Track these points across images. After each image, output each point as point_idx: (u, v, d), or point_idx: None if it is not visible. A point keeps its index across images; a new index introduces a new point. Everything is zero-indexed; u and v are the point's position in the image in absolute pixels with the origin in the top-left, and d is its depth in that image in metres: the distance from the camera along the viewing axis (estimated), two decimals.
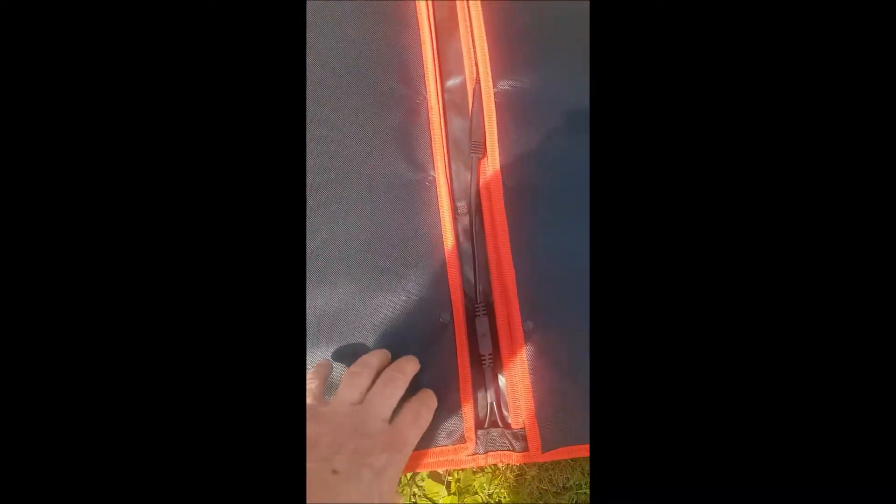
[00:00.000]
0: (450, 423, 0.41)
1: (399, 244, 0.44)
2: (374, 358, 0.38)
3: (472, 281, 0.45)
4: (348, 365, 0.39)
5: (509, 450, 0.41)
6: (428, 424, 0.37)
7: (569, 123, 0.47)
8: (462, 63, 0.49)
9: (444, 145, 0.47)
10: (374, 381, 0.36)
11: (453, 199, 0.47)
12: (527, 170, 0.46)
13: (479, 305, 0.44)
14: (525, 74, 0.48)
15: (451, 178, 0.47)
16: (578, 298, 0.44)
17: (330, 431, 0.31)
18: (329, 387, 0.40)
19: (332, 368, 0.40)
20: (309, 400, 0.35)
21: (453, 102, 0.49)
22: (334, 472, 0.29)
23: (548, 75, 0.48)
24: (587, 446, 0.41)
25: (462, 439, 0.40)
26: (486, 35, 0.48)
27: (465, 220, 0.47)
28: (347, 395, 0.34)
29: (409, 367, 0.38)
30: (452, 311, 0.43)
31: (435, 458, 0.40)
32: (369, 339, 0.42)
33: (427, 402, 0.37)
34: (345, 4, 0.49)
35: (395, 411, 0.35)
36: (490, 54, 0.48)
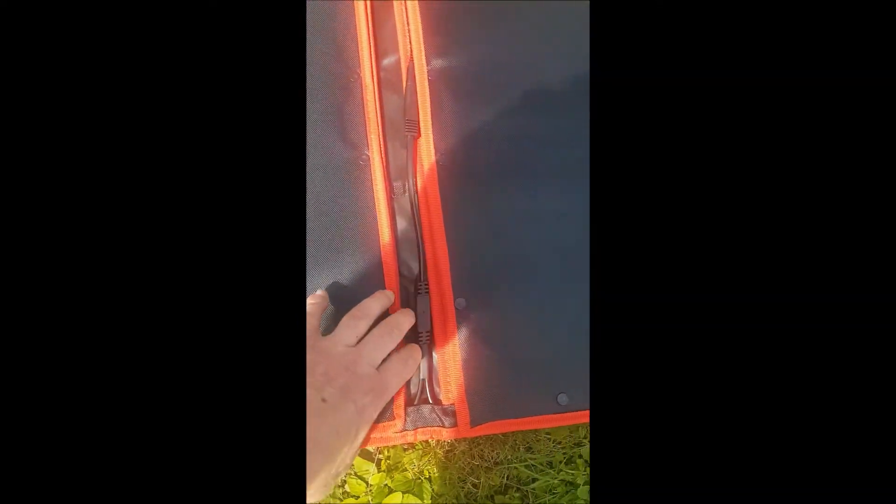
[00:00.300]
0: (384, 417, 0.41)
1: (335, 224, 0.44)
2: (376, 305, 0.40)
3: (416, 259, 0.45)
4: (339, 304, 0.41)
5: (439, 426, 0.41)
6: (410, 375, 0.40)
7: (504, 100, 0.48)
8: (397, 41, 0.49)
9: (380, 124, 0.47)
10: (370, 329, 0.39)
11: (390, 179, 0.47)
12: (461, 148, 0.46)
13: (422, 284, 0.44)
14: (460, 52, 0.48)
15: (387, 158, 0.47)
16: (510, 275, 0.44)
17: (324, 363, 0.35)
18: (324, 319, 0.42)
19: (327, 301, 0.42)
20: (308, 331, 0.37)
21: (389, 81, 0.49)
22: (323, 399, 0.33)
23: (483, 52, 0.48)
24: (516, 420, 0.41)
25: (391, 416, 0.40)
26: (421, 12, 0.48)
27: (404, 200, 0.47)
28: (344, 337, 0.37)
29: (405, 321, 0.41)
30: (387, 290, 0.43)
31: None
32: None
33: (413, 355, 0.40)
34: None
35: (384, 360, 0.38)
36: (424, 32, 0.48)
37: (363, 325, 0.39)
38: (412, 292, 0.45)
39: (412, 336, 0.43)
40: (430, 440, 0.43)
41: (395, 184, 0.47)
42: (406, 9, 0.48)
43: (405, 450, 0.44)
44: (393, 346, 0.39)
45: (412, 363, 0.40)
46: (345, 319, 0.39)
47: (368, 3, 0.49)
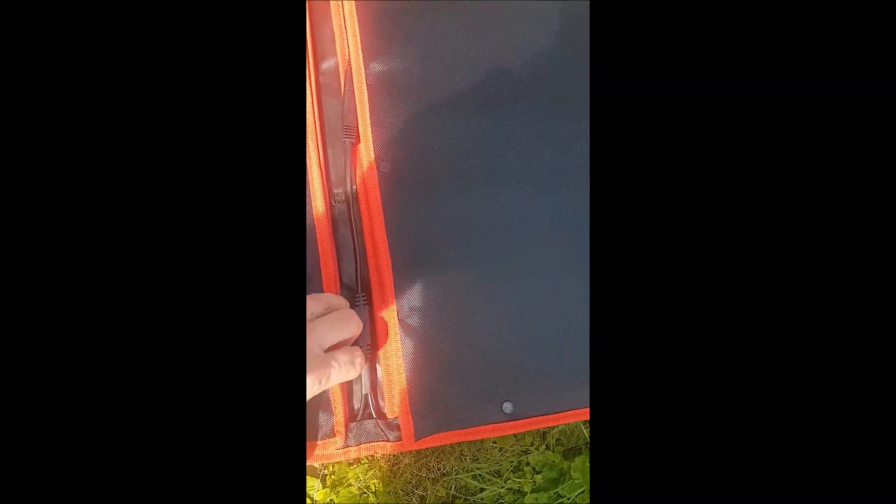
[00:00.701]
0: (321, 419, 0.40)
1: None
2: (335, 299, 0.39)
3: (353, 271, 0.44)
4: None
5: (383, 440, 0.41)
6: (352, 377, 0.37)
7: (448, 101, 0.47)
8: (335, 44, 0.48)
9: (318, 130, 0.46)
10: (325, 315, 0.37)
11: (330, 187, 0.46)
12: (403, 153, 0.45)
13: (360, 296, 0.44)
14: (398, 53, 0.47)
15: (326, 165, 0.46)
16: (454, 284, 0.43)
17: None
18: None
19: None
20: None
21: (328, 86, 0.47)
22: None
23: (423, 55, 0.47)
24: (461, 431, 0.41)
25: (332, 433, 0.40)
26: (358, 13, 0.47)
27: (343, 208, 0.46)
28: None
29: (358, 321, 0.39)
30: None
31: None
32: None
33: (359, 360, 0.38)
34: None
35: (332, 348, 0.37)
36: (362, 34, 0.46)
37: (320, 307, 0.37)
38: (350, 304, 0.44)
39: None
40: (375, 454, 0.42)
41: (335, 191, 0.46)
42: (343, 9, 0.47)
43: (350, 465, 0.43)
44: (344, 336, 0.37)
45: (357, 366, 0.38)
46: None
47: (306, 3, 0.47)
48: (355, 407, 0.42)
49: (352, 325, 0.38)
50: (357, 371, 0.38)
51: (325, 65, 0.48)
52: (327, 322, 0.36)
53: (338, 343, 0.37)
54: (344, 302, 0.40)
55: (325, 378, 0.35)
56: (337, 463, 0.43)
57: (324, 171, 0.45)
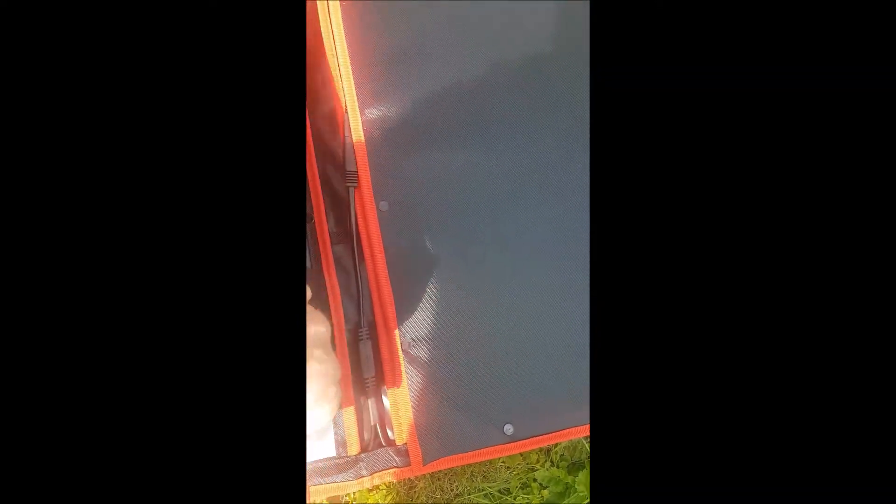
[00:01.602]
0: (340, 461, 0.43)
1: None
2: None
3: (355, 306, 0.47)
4: None
5: (393, 466, 0.44)
6: (322, 420, 0.35)
7: (439, 142, 0.49)
8: (329, 92, 0.50)
9: (316, 177, 0.48)
10: None
11: (328, 226, 0.48)
12: (401, 193, 0.48)
13: (363, 330, 0.46)
14: (392, 100, 0.49)
15: (326, 206, 0.49)
16: (455, 314, 0.46)
17: None
18: None
19: None
20: None
21: (326, 131, 0.50)
22: None
23: (416, 97, 0.49)
24: (465, 455, 0.44)
25: (347, 467, 0.43)
26: (352, 62, 0.49)
27: (345, 248, 0.48)
28: None
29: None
30: (335, 340, 0.45)
31: (326, 493, 0.43)
32: None
33: (334, 399, 0.36)
34: None
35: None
36: (356, 82, 0.49)
37: None
38: (353, 338, 0.46)
39: (358, 382, 0.45)
40: (388, 481, 0.45)
41: (335, 229, 0.49)
42: (337, 56, 0.49)
43: (370, 491, 0.46)
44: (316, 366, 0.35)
45: (332, 407, 0.35)
46: None
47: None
48: (365, 438, 0.45)
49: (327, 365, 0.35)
50: (327, 417, 0.35)
51: (321, 110, 0.50)
52: None
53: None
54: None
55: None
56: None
57: (323, 213, 0.48)
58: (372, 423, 0.45)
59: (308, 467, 0.42)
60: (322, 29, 0.49)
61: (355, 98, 0.48)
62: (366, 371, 0.45)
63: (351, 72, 0.49)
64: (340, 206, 0.49)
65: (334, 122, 0.50)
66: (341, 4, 0.48)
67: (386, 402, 0.45)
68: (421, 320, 0.46)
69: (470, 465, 0.46)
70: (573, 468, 0.47)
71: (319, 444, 0.44)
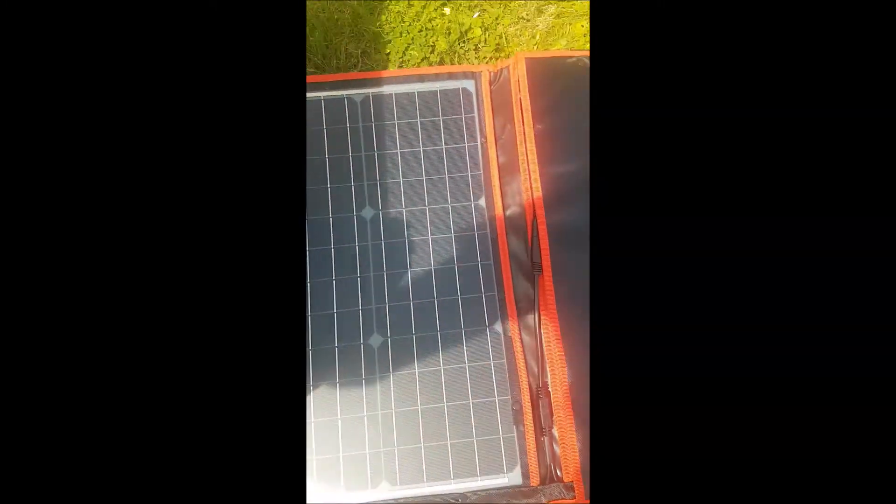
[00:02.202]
0: (525, 489, 0.56)
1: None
2: None
3: (536, 370, 0.61)
4: None
5: (563, 498, 0.56)
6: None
7: None
8: (519, 198, 0.65)
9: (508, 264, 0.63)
10: None
11: (517, 301, 0.63)
12: (572, 283, 0.62)
13: (539, 389, 0.60)
14: (568, 211, 0.64)
15: (513, 286, 0.63)
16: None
17: None
18: None
19: None
20: None
21: (512, 225, 0.65)
22: None
23: (583, 210, 0.64)
24: None
25: (530, 495, 0.56)
26: (541, 177, 0.64)
27: (529, 320, 0.62)
28: None
29: None
30: (521, 397, 0.59)
31: None
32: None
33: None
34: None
35: None
36: (543, 193, 0.64)
37: None
38: (536, 394, 0.60)
39: (538, 428, 0.58)
40: None
41: (520, 305, 0.63)
42: (529, 176, 0.64)
43: None
44: None
45: None
46: None
47: (497, 164, 0.65)
48: (542, 474, 0.58)
49: None
50: None
51: (510, 212, 0.65)
52: None
53: None
54: None
55: None
56: None
57: (511, 290, 0.62)
58: (548, 463, 0.58)
59: (501, 491, 0.56)
60: (518, 150, 0.65)
61: (542, 207, 0.63)
62: (545, 422, 0.58)
63: (539, 185, 0.64)
64: (524, 287, 0.63)
65: (522, 220, 0.65)
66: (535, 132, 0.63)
67: (556, 448, 0.59)
68: (585, 384, 0.59)
69: None
70: None
71: (510, 475, 0.57)
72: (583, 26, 0.78)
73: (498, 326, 0.61)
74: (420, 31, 0.62)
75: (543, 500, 0.56)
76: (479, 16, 0.71)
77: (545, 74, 0.68)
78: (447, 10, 0.68)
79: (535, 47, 0.78)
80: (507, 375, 0.59)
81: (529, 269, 0.63)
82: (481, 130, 0.66)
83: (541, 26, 0.78)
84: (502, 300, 0.62)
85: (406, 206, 0.62)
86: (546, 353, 0.61)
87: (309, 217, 0.61)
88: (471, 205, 0.63)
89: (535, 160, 0.64)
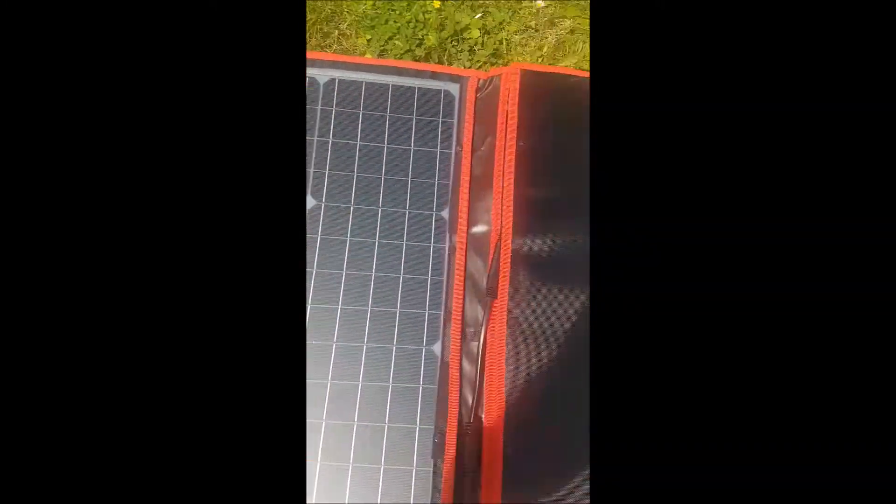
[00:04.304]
0: None
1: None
2: None
3: (470, 402, 0.56)
4: None
5: None
6: None
7: (572, 281, 0.58)
8: (487, 216, 0.60)
9: (462, 284, 0.58)
10: None
11: (464, 324, 0.58)
12: (530, 316, 0.57)
13: (468, 424, 0.55)
14: (541, 238, 0.59)
15: (463, 308, 0.58)
16: (561, 430, 0.54)
17: None
18: None
19: None
20: None
21: (476, 247, 0.60)
22: None
23: (560, 241, 0.59)
24: None
25: None
26: (515, 199, 0.59)
27: (473, 347, 0.57)
28: None
29: None
30: (447, 429, 0.54)
31: None
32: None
33: None
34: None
35: None
36: (514, 217, 0.59)
37: None
38: (464, 429, 0.55)
39: (460, 469, 0.53)
40: None
41: (467, 329, 0.58)
42: (502, 195, 0.60)
43: None
44: None
45: None
46: None
47: (469, 178, 0.61)
48: None
49: None
50: None
51: (476, 229, 0.61)
52: None
53: None
54: None
55: None
56: None
57: (461, 311, 0.57)
58: None
59: None
60: (494, 168, 0.60)
61: (510, 229, 0.58)
62: (468, 459, 0.53)
63: (512, 206, 0.59)
64: (472, 306, 0.58)
65: (485, 241, 0.60)
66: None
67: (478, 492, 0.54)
68: (527, 430, 0.54)
69: None
70: None
71: None
72: None
73: (436, 348, 0.56)
74: (409, 21, 0.58)
75: None
76: (481, 17, 0.67)
77: (539, 90, 0.64)
78: (438, 3, 0.63)
79: (541, 60, 0.73)
80: (436, 403, 0.54)
81: (484, 294, 0.58)
82: (458, 139, 0.61)
83: (550, 39, 0.74)
84: (447, 321, 0.57)
85: (355, 202, 0.57)
86: (486, 384, 0.56)
87: None
88: (431, 214, 0.59)
89: (512, 178, 0.59)
